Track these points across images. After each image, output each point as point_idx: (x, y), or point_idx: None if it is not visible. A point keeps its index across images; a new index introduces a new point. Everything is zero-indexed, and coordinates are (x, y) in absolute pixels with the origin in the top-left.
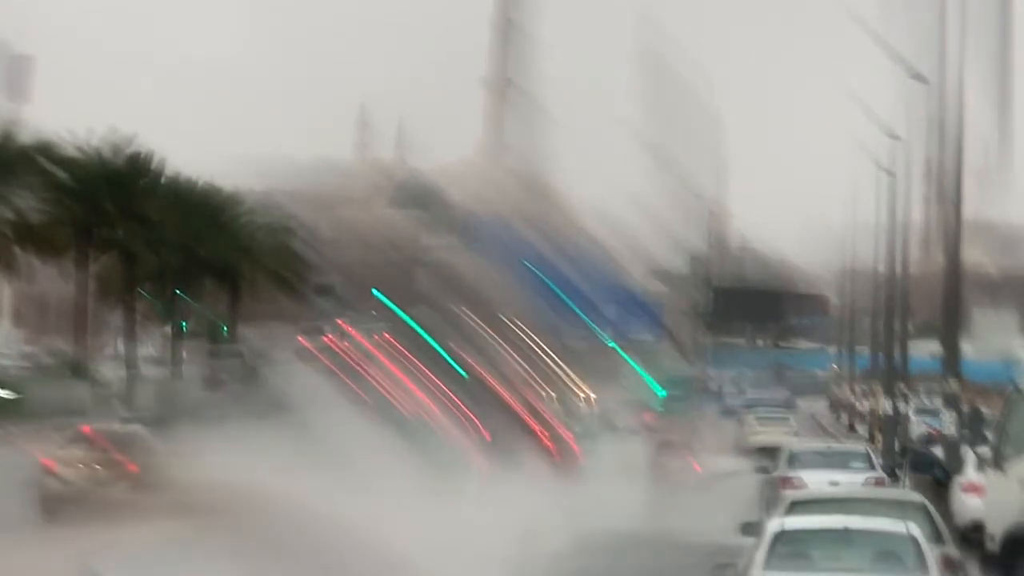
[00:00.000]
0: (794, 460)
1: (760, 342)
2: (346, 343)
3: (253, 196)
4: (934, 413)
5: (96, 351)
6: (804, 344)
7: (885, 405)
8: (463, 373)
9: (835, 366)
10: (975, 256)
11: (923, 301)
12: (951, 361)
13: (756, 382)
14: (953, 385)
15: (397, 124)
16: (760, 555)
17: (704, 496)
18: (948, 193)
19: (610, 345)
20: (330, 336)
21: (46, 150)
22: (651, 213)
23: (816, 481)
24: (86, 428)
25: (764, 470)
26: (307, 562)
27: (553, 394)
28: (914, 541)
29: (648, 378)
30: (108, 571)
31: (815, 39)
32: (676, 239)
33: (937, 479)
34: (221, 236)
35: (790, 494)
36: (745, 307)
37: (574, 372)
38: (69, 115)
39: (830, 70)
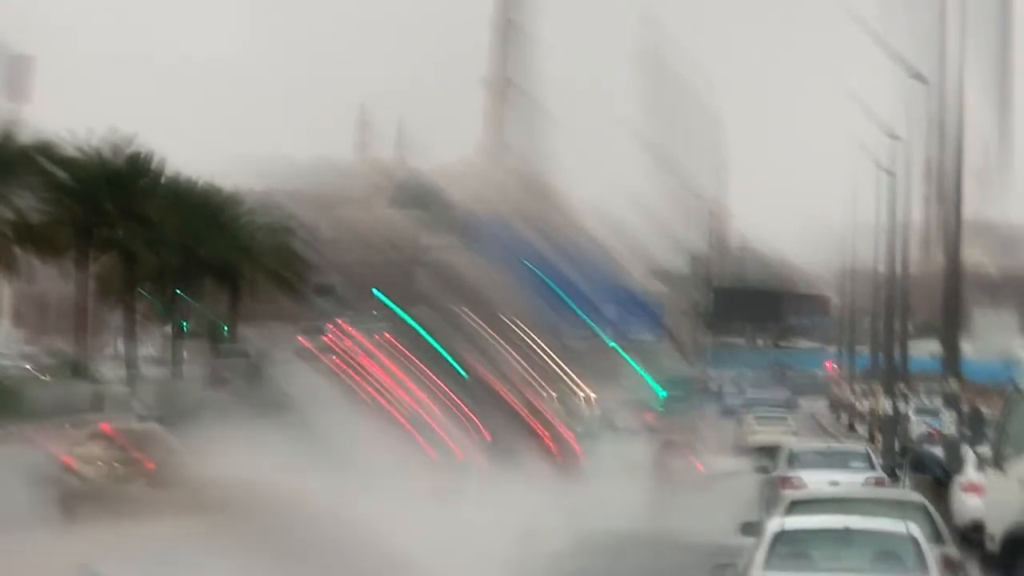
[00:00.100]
0: (794, 460)
1: (760, 342)
2: (347, 343)
3: (253, 196)
4: (934, 413)
5: (96, 351)
6: (804, 344)
7: (885, 405)
8: (463, 373)
9: (834, 365)
10: (975, 256)
11: (923, 301)
12: (951, 361)
13: (756, 382)
14: (953, 385)
15: (397, 124)
16: (760, 555)
17: (704, 496)
18: (948, 193)
19: (610, 345)
20: (330, 336)
21: (46, 150)
22: (651, 213)
23: (816, 481)
24: (105, 425)
25: (764, 470)
26: (315, 559)
27: (553, 394)
28: (914, 541)
29: (648, 378)
30: (108, 571)
31: (815, 39)
32: (676, 239)
33: (937, 479)
34: (221, 236)
35: (790, 494)
36: (745, 307)
37: (574, 372)
38: (69, 115)
39: (830, 70)
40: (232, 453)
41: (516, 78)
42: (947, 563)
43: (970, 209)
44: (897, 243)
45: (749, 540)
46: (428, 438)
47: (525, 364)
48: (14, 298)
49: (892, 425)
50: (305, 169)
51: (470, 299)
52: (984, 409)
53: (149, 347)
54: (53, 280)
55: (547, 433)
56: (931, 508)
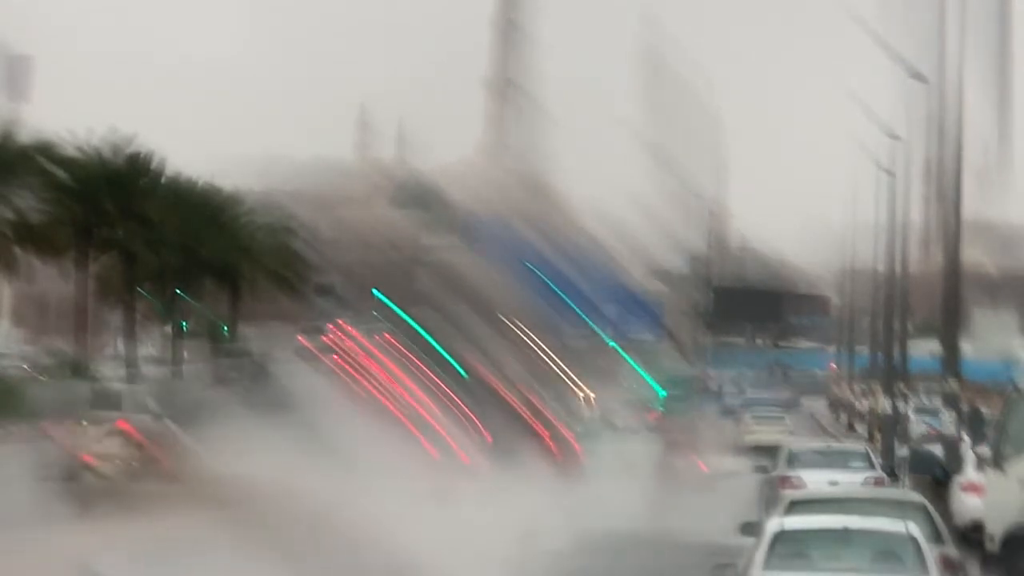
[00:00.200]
0: (793, 460)
1: (760, 342)
2: (347, 343)
3: (253, 196)
4: (934, 413)
5: (96, 351)
6: (804, 344)
7: (884, 405)
8: (464, 373)
9: (833, 365)
10: (975, 256)
11: (923, 301)
12: (951, 361)
13: (756, 382)
14: (953, 385)
15: (397, 124)
16: (760, 555)
17: (705, 496)
18: (948, 193)
19: (610, 345)
20: (330, 336)
21: (46, 150)
22: (651, 213)
23: (815, 481)
24: (122, 423)
25: (763, 469)
26: (324, 558)
27: (553, 394)
28: (914, 541)
29: (648, 378)
30: (108, 571)
31: (815, 39)
32: (676, 239)
33: (937, 479)
34: (221, 236)
35: (789, 494)
36: (745, 307)
37: (574, 372)
38: (69, 115)
39: (830, 70)
40: (239, 452)
41: (516, 78)
42: (947, 563)
43: (970, 209)
44: (897, 243)
45: (749, 540)
46: (429, 438)
47: (525, 364)
48: (14, 298)
49: (891, 425)
50: (305, 169)
51: (470, 299)
52: (984, 409)
53: (149, 347)
54: (53, 280)
55: (547, 433)
56: (931, 508)
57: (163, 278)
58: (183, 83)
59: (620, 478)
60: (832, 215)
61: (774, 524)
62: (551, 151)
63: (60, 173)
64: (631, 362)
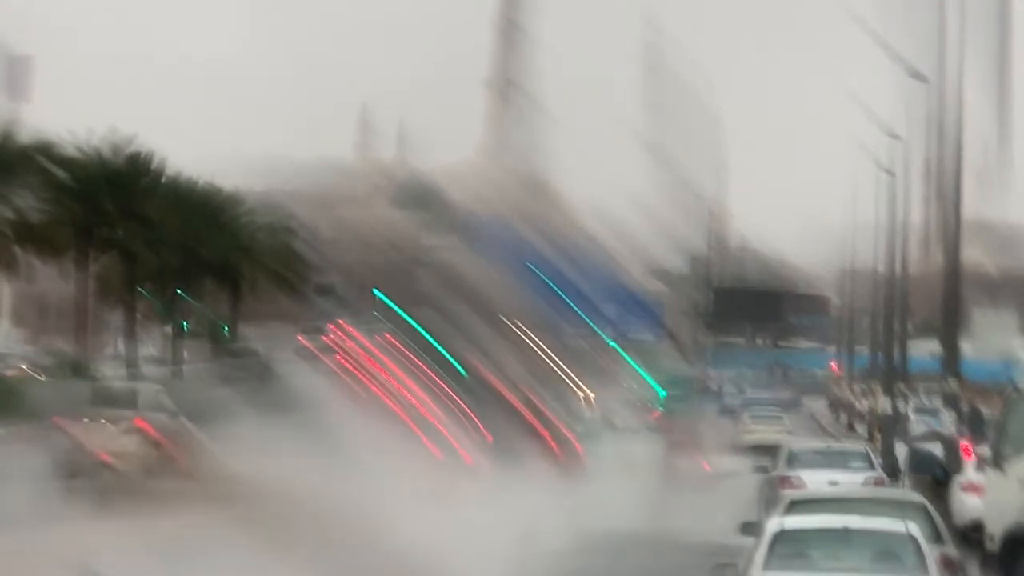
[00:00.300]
0: (793, 460)
1: (760, 342)
2: (347, 343)
3: (253, 196)
4: (934, 413)
5: (96, 351)
6: (804, 344)
7: (884, 404)
8: (464, 373)
9: (834, 365)
10: (975, 256)
11: (923, 301)
12: (951, 361)
13: (756, 382)
14: (953, 385)
15: (398, 124)
16: (760, 555)
17: (705, 496)
18: (948, 193)
19: (610, 345)
20: (331, 336)
21: (46, 150)
22: (651, 213)
23: (815, 481)
24: (139, 421)
25: (763, 469)
26: (335, 556)
27: (554, 394)
28: (914, 541)
29: (648, 378)
30: (108, 571)
31: (815, 39)
32: (676, 239)
33: (937, 479)
34: (221, 236)
35: (789, 494)
36: (745, 307)
37: (574, 372)
38: (69, 115)
39: (830, 70)
40: (248, 451)
41: (516, 78)
42: (947, 563)
43: (970, 209)
44: (897, 243)
45: (749, 540)
46: (431, 438)
47: (525, 364)
48: (14, 298)
49: (891, 425)
50: (305, 169)
51: (471, 299)
52: (984, 409)
53: (149, 347)
54: (53, 280)
55: (548, 433)
56: (931, 508)
57: (163, 278)
58: (183, 83)
59: (620, 478)
60: (832, 215)
61: (774, 524)
62: (551, 151)
63: (60, 173)
64: (631, 362)
